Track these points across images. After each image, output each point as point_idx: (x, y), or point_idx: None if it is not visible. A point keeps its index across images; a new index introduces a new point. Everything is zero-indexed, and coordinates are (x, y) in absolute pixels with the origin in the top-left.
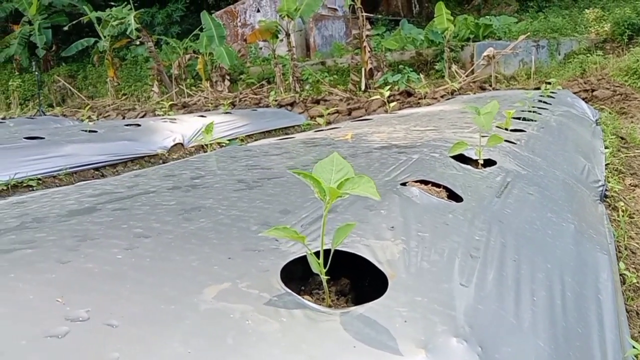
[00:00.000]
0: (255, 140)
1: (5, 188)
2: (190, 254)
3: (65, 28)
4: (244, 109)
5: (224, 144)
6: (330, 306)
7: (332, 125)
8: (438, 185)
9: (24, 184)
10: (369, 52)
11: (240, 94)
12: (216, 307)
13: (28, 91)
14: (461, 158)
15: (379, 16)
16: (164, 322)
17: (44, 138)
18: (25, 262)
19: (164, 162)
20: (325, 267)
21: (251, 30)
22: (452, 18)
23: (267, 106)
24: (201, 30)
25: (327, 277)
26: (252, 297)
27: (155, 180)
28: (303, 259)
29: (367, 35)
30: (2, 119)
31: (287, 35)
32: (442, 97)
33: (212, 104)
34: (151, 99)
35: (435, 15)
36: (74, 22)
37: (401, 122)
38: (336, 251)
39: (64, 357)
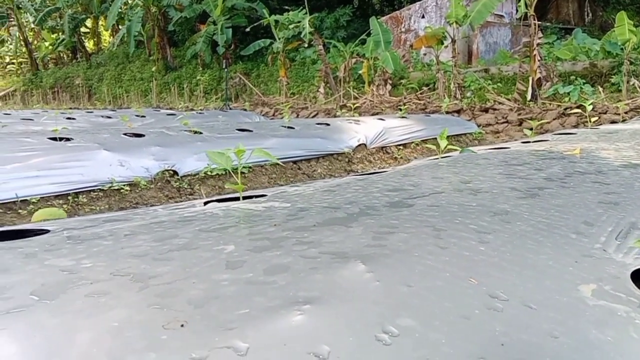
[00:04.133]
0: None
1: (224, 173)
2: (536, 253)
3: (247, 29)
4: (415, 114)
5: (456, 150)
6: None
7: (537, 138)
8: None
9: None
10: (538, 60)
11: (405, 98)
12: (599, 304)
13: (209, 85)
14: None
15: (548, 24)
16: (571, 311)
17: (252, 131)
18: (410, 245)
19: (349, 161)
20: None
21: (414, 36)
22: (634, 29)
23: (434, 112)
24: (368, 35)
25: None
26: (623, 299)
27: (426, 180)
28: None
29: (537, 44)
30: (202, 109)
31: (453, 41)
32: (626, 113)
33: (377, 107)
34: (318, 99)
35: (615, 25)
36: (254, 24)
37: (614, 140)
38: None
39: (516, 327)
